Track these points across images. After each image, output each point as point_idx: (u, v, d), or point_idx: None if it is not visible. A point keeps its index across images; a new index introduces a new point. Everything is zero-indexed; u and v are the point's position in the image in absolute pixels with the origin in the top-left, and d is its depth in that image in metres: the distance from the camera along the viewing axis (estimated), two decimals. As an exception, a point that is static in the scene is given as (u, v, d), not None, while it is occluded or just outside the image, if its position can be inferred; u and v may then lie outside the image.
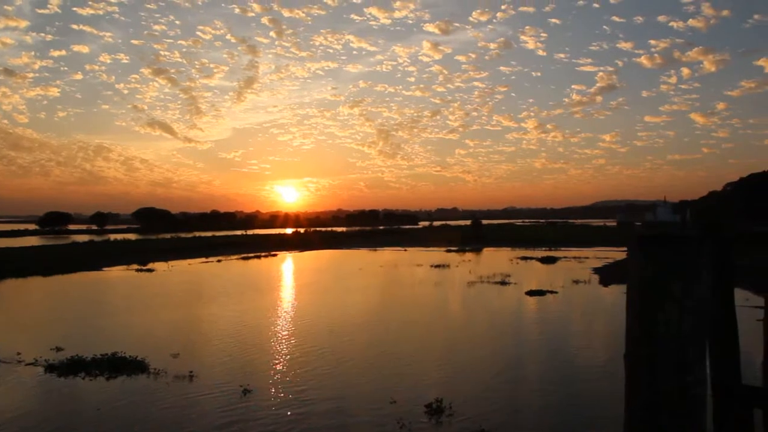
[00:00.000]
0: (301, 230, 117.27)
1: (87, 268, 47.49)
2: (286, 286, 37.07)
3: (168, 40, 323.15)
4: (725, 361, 5.04)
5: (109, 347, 17.63)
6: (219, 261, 56.49)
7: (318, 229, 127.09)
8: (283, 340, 19.96)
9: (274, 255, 65.70)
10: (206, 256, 60.89)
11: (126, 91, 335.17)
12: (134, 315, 25.41)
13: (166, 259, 55.73)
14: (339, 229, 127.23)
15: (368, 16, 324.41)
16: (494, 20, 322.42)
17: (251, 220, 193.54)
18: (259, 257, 61.61)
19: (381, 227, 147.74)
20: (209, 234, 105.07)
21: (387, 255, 65.03)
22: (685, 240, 1.89)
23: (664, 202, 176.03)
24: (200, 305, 28.36)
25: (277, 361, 17.03)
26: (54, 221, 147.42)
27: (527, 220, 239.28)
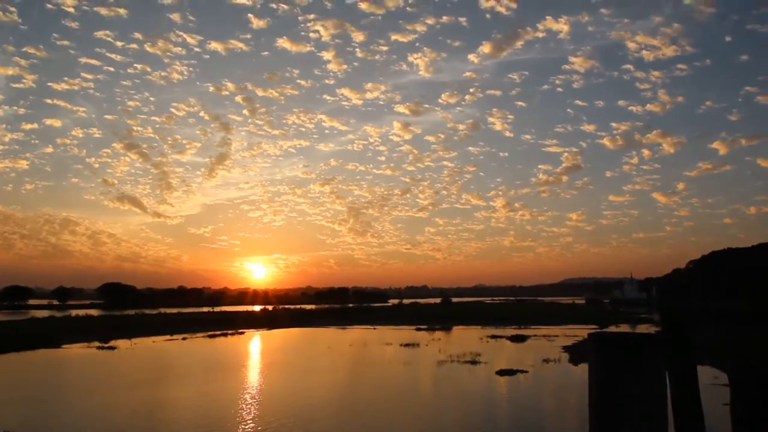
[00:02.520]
0: (270, 307, 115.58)
1: (45, 345, 45.86)
2: (253, 366, 36.11)
3: (141, 116, 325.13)
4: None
5: (65, 430, 16.78)
6: (184, 339, 55.08)
7: (287, 306, 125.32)
8: (248, 424, 19.24)
9: (242, 333, 64.36)
10: (171, 334, 59.34)
11: (96, 165, 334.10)
12: (91, 397, 24.40)
13: (129, 337, 54.16)
14: (308, 307, 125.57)
15: (340, 96, 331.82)
16: (463, 102, 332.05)
17: (219, 296, 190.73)
18: (226, 335, 60.27)
19: (350, 305, 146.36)
20: (175, 311, 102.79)
21: (356, 333, 64.13)
22: (639, 340, 1.86)
23: (631, 280, 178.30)
24: (162, 386, 27.38)
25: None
26: (13, 296, 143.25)
27: (497, 298, 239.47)
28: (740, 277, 79.60)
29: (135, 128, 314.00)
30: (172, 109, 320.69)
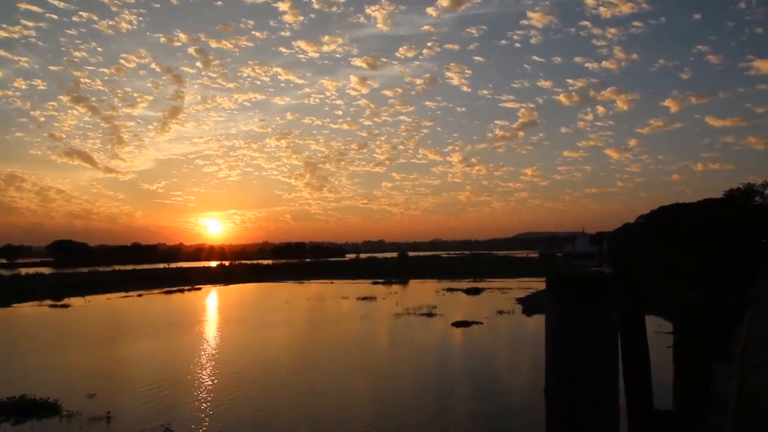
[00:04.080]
0: (227, 263, 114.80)
1: (-5, 304, 44.91)
2: (211, 321, 36.12)
3: (89, 68, 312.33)
4: (638, 388, 5.29)
5: (17, 390, 16.62)
6: (140, 296, 54.56)
7: (244, 261, 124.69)
8: (207, 377, 19.38)
9: (198, 289, 64.02)
10: (126, 291, 58.68)
11: (42, 119, 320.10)
12: (46, 354, 24.14)
13: (82, 294, 53.35)
14: (265, 262, 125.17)
15: (296, 49, 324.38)
16: (420, 56, 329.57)
17: (175, 253, 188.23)
18: (182, 291, 59.91)
19: (308, 260, 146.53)
20: (130, 267, 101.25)
21: (314, 288, 64.49)
22: (596, 280, 2.00)
23: (583, 234, 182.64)
24: (119, 343, 27.25)
25: (200, 399, 16.49)
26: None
27: (453, 252, 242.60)
28: (685, 232, 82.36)
29: (83, 80, 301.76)
30: (122, 61, 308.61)
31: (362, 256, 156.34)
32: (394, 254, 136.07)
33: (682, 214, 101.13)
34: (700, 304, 8.95)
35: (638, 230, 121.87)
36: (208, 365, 21.54)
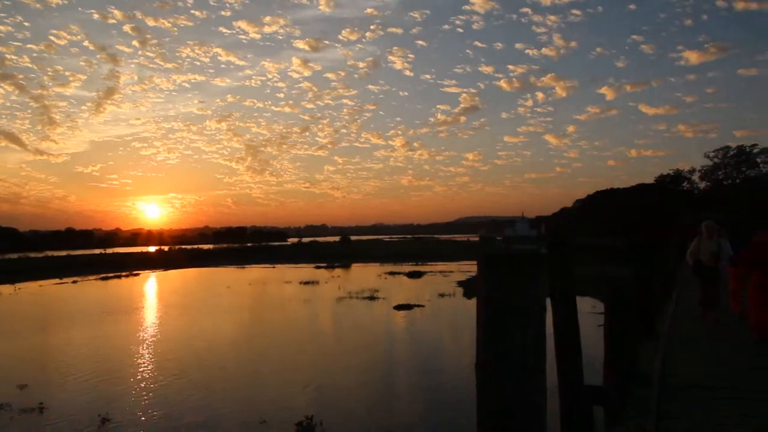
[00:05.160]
0: (166, 248, 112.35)
1: None
2: (150, 308, 35.40)
3: (15, 43, 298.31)
4: (569, 364, 5.52)
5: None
6: (75, 282, 52.98)
7: (183, 246, 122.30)
8: (146, 366, 19.06)
9: (137, 274, 62.60)
10: (60, 277, 56.88)
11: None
12: (-25, 343, 23.22)
13: (12, 281, 51.42)
14: (206, 247, 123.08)
15: (237, 29, 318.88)
16: (363, 40, 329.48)
17: (111, 238, 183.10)
18: (119, 277, 58.47)
19: (249, 244, 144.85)
20: (64, 253, 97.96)
21: (256, 272, 63.95)
22: (525, 258, 2.12)
23: (523, 218, 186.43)
24: (52, 331, 26.45)
25: (139, 388, 16.22)
26: None
27: (395, 236, 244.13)
28: (619, 215, 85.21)
29: (8, 56, 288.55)
30: (52, 37, 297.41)
31: (304, 240, 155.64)
32: (337, 238, 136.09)
33: (617, 198, 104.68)
34: (629, 285, 9.34)
35: (575, 214, 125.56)
36: (147, 353, 21.18)
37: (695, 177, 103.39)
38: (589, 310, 25.31)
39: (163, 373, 17.69)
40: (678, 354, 9.22)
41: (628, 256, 11.63)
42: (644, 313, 10.58)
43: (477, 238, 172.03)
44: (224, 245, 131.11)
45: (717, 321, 11.35)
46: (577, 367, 5.31)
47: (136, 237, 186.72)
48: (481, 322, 2.18)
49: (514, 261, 2.09)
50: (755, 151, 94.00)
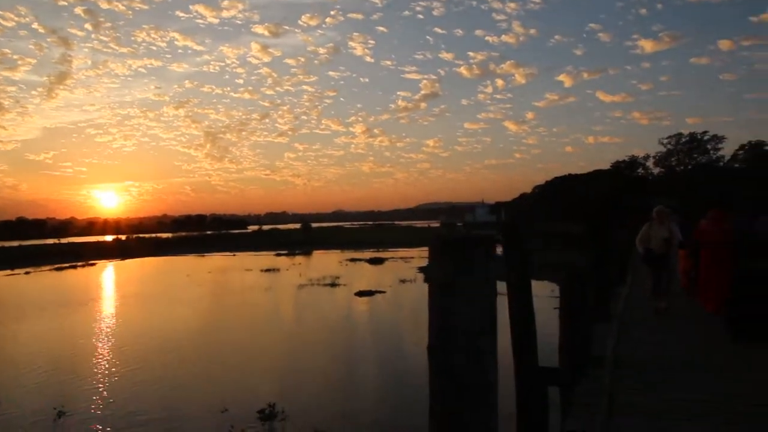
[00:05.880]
0: (123, 237, 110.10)
1: None
2: (107, 298, 34.77)
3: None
4: (524, 347, 5.66)
5: None
6: (27, 273, 51.66)
7: (141, 235, 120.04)
8: (103, 357, 18.75)
9: (93, 264, 61.33)
10: (12, 268, 55.32)
11: None
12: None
13: (-39, 273, 49.90)
14: (164, 235, 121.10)
15: (194, 13, 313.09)
16: (323, 25, 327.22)
17: (65, 227, 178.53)
18: (75, 267, 57.16)
19: (209, 232, 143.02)
20: (15, 243, 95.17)
21: (216, 260, 63.29)
22: (474, 242, 2.17)
23: (482, 204, 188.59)
24: (4, 324, 25.77)
25: (97, 380, 15.96)
26: None
27: (356, 223, 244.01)
28: (577, 201, 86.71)
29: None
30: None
31: (265, 227, 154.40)
32: (298, 225, 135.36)
33: (575, 184, 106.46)
34: (584, 270, 9.56)
35: (534, 200, 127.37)
36: (104, 345, 20.84)
37: (649, 163, 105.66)
38: (548, 294, 25.76)
39: (121, 365, 17.44)
40: (631, 335, 9.49)
41: (585, 241, 11.83)
42: (599, 296, 10.85)
43: (438, 224, 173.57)
44: (183, 234, 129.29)
45: (668, 309, 11.24)
46: (532, 349, 5.44)
47: (92, 226, 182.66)
48: (432, 305, 2.23)
49: (464, 245, 2.14)
50: (706, 138, 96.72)
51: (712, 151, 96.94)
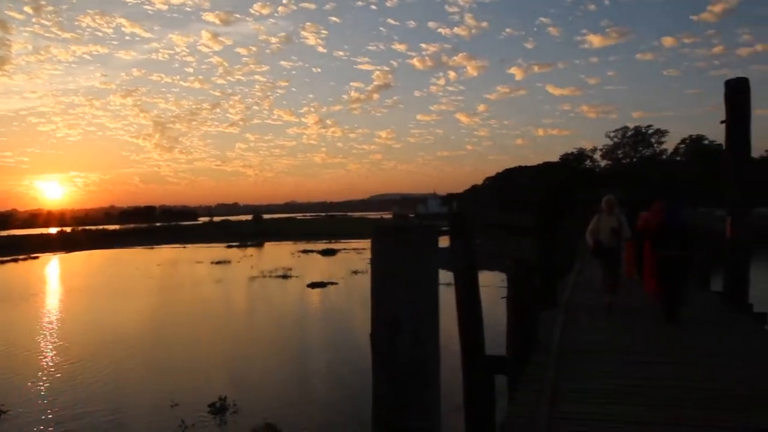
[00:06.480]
0: (68, 229, 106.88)
1: None
2: (50, 292, 33.75)
3: None
4: (470, 335, 5.74)
5: None
6: (-35, 267, 49.74)
7: (88, 227, 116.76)
8: (47, 354, 18.21)
9: (36, 257, 59.40)
10: (-52, 262, 53.21)
11: None
12: None
13: None
14: (112, 227, 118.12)
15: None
16: (276, 14, 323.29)
17: (6, 219, 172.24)
18: (16, 261, 55.32)
19: (158, 224, 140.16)
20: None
21: (166, 253, 62.13)
22: (415, 231, 2.19)
23: (435, 196, 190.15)
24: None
25: (40, 378, 15.47)
26: None
27: (308, 214, 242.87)
28: (526, 192, 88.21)
29: None
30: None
31: (216, 219, 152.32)
32: (249, 217, 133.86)
33: (525, 175, 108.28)
34: (532, 258, 9.72)
35: (485, 191, 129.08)
36: (46, 341, 20.23)
37: (597, 155, 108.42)
38: (498, 284, 26.15)
39: (66, 362, 16.96)
40: (576, 322, 9.72)
41: (534, 231, 12.03)
42: (546, 284, 11.07)
43: (390, 216, 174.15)
44: (132, 225, 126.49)
45: (612, 304, 11.00)
46: (479, 339, 5.52)
47: (35, 218, 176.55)
48: (373, 293, 2.24)
49: (405, 233, 2.16)
50: (650, 131, 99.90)
51: (655, 145, 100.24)
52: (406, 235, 2.16)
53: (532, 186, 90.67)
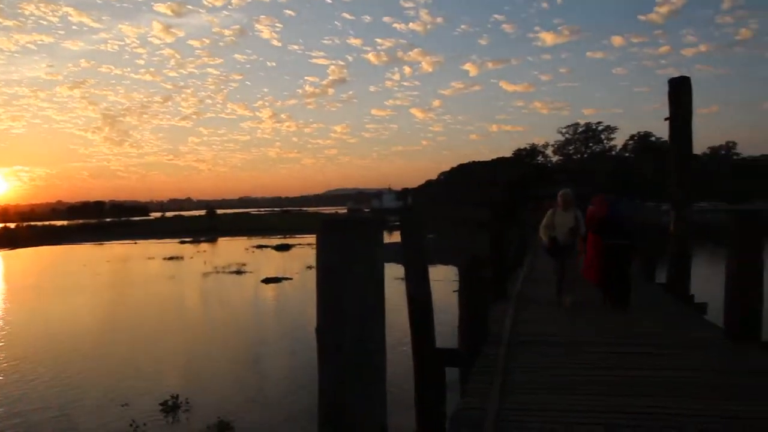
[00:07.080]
0: (12, 225, 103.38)
1: None
2: (-7, 290, 32.64)
3: None
4: (421, 328, 5.80)
5: None
6: None
7: (33, 223, 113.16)
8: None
9: (-23, 255, 57.35)
10: None
11: None
12: None
13: None
14: (59, 223, 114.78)
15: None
16: (229, 6, 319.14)
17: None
18: (-44, 258, 53.32)
19: (108, 219, 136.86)
20: None
21: (116, 249, 60.75)
22: (360, 224, 2.21)
23: (389, 190, 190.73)
24: None
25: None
26: None
27: (262, 209, 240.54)
28: (480, 187, 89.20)
29: None
30: None
31: (168, 214, 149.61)
32: (202, 212, 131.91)
33: (479, 170, 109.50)
34: (483, 253, 9.87)
35: (439, 186, 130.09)
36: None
37: (549, 151, 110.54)
38: (452, 278, 26.42)
39: (9, 363, 16.44)
40: (527, 314, 9.91)
41: (486, 225, 12.17)
42: (497, 277, 11.24)
43: (345, 211, 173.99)
44: (80, 221, 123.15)
45: (575, 302, 10.66)
46: (429, 331, 5.58)
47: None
48: (319, 287, 2.26)
49: (350, 227, 2.17)
50: (600, 128, 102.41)
51: (605, 141, 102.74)
52: (351, 229, 2.17)
53: (486, 181, 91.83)
